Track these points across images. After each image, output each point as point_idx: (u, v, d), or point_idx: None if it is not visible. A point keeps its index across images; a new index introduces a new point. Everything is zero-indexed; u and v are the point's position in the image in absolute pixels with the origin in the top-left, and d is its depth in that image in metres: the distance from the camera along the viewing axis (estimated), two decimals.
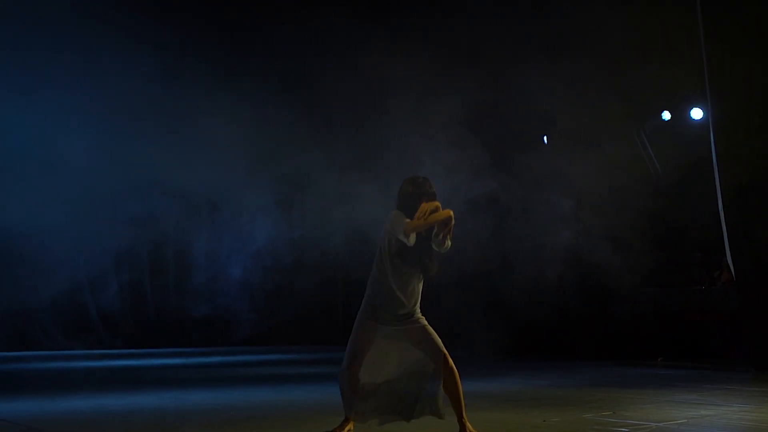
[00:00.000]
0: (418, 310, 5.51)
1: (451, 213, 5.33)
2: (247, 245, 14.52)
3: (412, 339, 5.44)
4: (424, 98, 10.07)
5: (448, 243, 5.40)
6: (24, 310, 14.92)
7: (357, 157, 10.74)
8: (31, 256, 14.29)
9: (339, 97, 11.36)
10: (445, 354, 5.36)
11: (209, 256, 15.61)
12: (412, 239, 5.29)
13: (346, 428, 5.52)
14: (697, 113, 13.49)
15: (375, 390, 5.51)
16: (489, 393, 8.09)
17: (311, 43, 11.12)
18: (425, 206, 5.31)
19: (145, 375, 10.78)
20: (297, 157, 11.55)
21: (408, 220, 5.31)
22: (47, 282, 14.72)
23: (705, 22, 10.94)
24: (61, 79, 11.05)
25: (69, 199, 12.11)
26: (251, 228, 13.87)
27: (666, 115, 13.83)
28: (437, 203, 5.35)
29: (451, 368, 5.35)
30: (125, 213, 13.39)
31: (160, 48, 10.82)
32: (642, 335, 12.60)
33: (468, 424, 5.44)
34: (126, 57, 10.85)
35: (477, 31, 10.51)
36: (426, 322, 5.51)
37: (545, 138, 13.68)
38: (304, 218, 13.99)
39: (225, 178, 12.27)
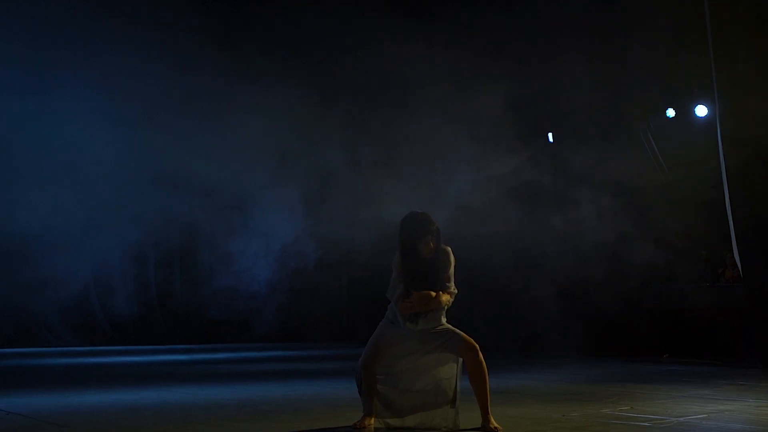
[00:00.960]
0: (442, 321, 5.56)
1: (442, 298, 5.43)
2: (270, 243, 14.36)
3: (437, 340, 5.43)
4: (455, 91, 10.00)
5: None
6: (29, 306, 14.81)
7: (385, 153, 10.62)
8: (40, 251, 14.15)
9: (366, 89, 11.21)
10: (476, 348, 5.35)
11: (229, 252, 15.37)
12: None
13: (366, 422, 5.50)
14: (701, 110, 13.48)
15: (396, 392, 5.50)
16: (503, 388, 8.06)
17: (339, 33, 10.94)
18: (417, 299, 5.38)
19: (156, 371, 10.70)
20: (322, 153, 11.40)
21: (402, 292, 5.41)
22: (55, 279, 14.62)
23: (712, 14, 10.93)
24: (74, 76, 10.91)
25: (83, 197, 11.98)
26: (274, 225, 13.70)
27: (670, 113, 13.82)
28: (431, 293, 5.40)
29: (481, 362, 5.35)
30: (143, 208, 13.24)
31: (179, 38, 10.67)
32: (647, 332, 12.62)
33: (492, 419, 5.44)
34: (143, 47, 10.70)
35: (498, 24, 10.46)
36: (449, 326, 5.51)
37: (550, 135, 13.69)
38: (329, 216, 13.82)
39: (247, 173, 12.11)
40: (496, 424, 5.42)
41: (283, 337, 16.73)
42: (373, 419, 5.51)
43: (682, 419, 6.01)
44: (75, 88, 10.73)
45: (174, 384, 8.75)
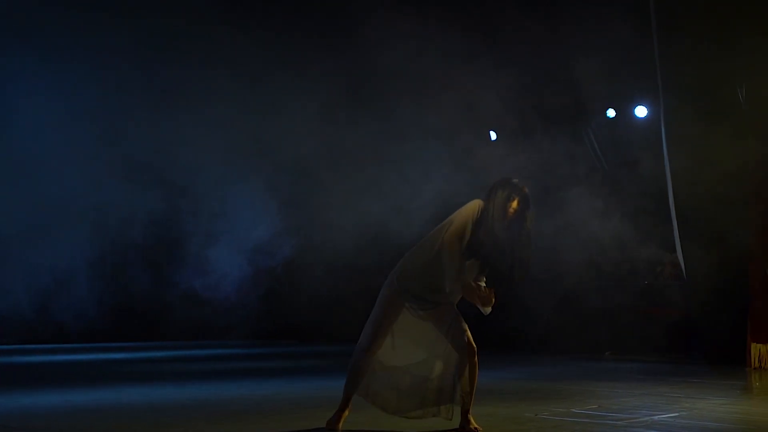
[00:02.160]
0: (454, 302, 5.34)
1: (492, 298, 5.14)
2: (243, 242, 13.87)
3: (441, 320, 5.23)
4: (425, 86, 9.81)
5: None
6: None
7: (365, 148, 10.30)
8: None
9: (350, 77, 10.83)
10: (475, 349, 5.21)
11: (201, 251, 14.81)
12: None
13: (343, 417, 5.32)
14: (641, 111, 13.67)
15: (391, 373, 5.32)
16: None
17: (317, 21, 10.59)
18: (481, 292, 5.09)
19: (111, 369, 10.28)
20: (302, 146, 11.00)
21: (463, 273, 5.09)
22: (14, 277, 14.00)
23: (658, 16, 11.05)
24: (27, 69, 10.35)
25: (44, 192, 11.44)
26: (248, 223, 13.25)
27: (610, 113, 13.96)
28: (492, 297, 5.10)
29: (476, 364, 5.20)
30: (109, 203, 12.69)
31: (143, 27, 10.20)
32: (587, 329, 12.73)
33: (472, 420, 5.31)
34: (104, 38, 10.20)
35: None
36: (458, 312, 5.34)
37: (493, 133, 13.66)
38: (306, 213, 13.35)
39: (220, 169, 11.70)
40: (476, 425, 5.30)
41: (258, 335, 16.50)
42: (347, 413, 5.33)
43: (655, 417, 5.97)
44: (29, 82, 10.22)
45: (138, 383, 8.35)
